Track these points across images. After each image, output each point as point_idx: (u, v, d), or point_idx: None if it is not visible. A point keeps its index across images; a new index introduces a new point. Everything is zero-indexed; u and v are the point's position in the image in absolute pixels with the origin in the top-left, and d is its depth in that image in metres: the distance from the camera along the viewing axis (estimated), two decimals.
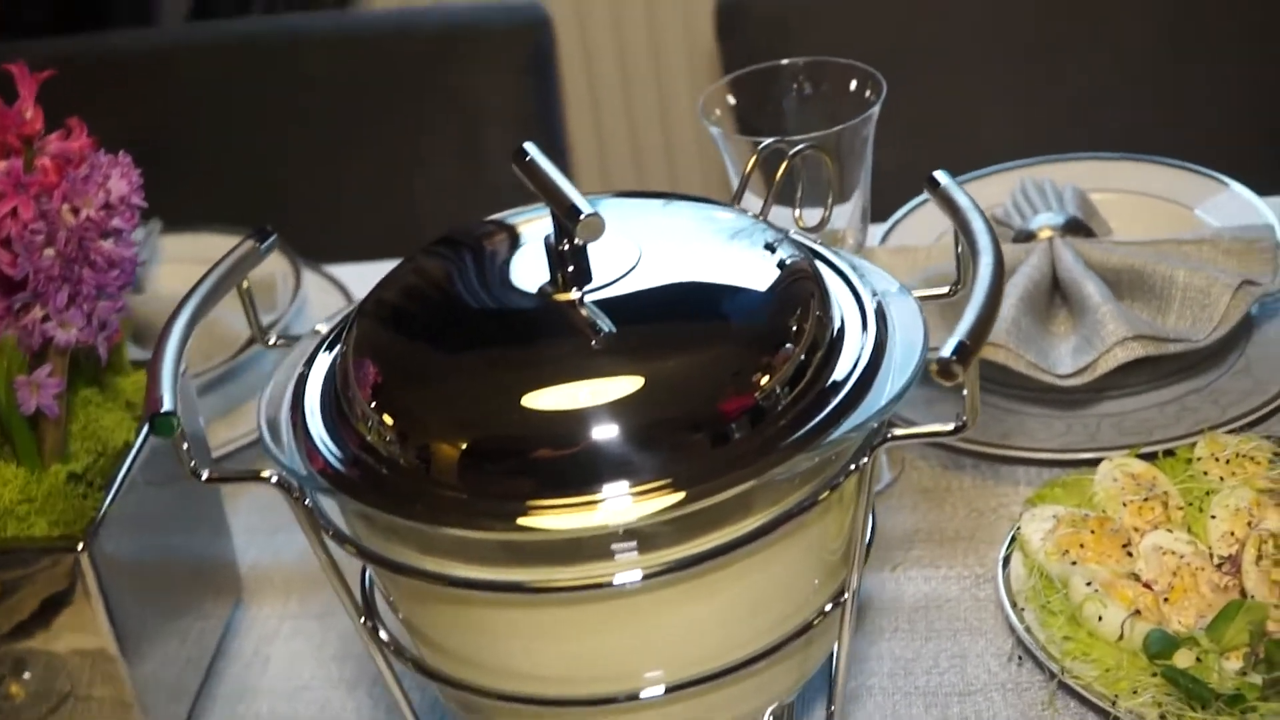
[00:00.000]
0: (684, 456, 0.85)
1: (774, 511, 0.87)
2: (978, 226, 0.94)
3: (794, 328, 0.90)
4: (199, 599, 1.21)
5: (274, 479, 0.90)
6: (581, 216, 0.88)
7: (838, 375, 0.90)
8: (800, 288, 0.94)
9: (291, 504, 0.91)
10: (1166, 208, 1.43)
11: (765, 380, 0.87)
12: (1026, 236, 1.38)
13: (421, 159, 2.02)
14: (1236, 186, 1.43)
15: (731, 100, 1.24)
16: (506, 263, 0.95)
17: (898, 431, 0.89)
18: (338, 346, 0.98)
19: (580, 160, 2.54)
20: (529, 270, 0.94)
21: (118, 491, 1.08)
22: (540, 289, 0.92)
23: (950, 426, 0.87)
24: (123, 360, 1.17)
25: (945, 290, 1.00)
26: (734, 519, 0.86)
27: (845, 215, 1.22)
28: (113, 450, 1.11)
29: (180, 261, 1.58)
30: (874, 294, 0.97)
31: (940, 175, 0.98)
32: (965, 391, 0.85)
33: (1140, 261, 1.31)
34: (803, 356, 0.89)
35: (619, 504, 0.83)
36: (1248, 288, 1.28)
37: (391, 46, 2.09)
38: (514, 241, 0.98)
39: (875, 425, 0.88)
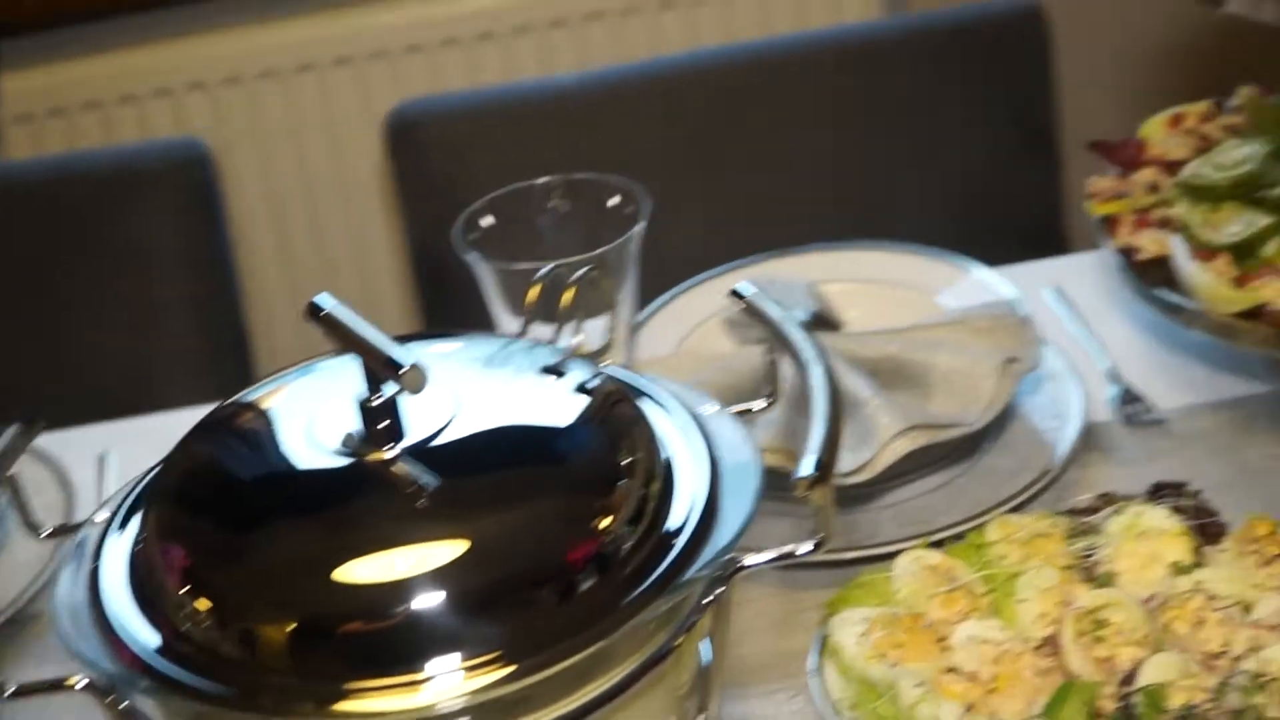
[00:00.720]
0: (521, 621, 0.81)
1: (629, 665, 0.85)
2: (798, 338, 0.94)
3: (626, 462, 0.88)
4: None
5: (82, 684, 0.84)
6: (403, 369, 0.84)
7: (678, 508, 0.88)
8: (622, 416, 0.92)
9: (105, 709, 0.85)
10: (903, 293, 1.46)
11: (606, 523, 0.85)
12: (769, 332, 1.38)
13: (92, 313, 1.93)
14: (973, 265, 1.47)
15: (486, 222, 1.22)
16: (311, 425, 0.90)
17: (751, 560, 0.87)
18: (127, 532, 0.91)
19: (255, 294, 2.47)
20: (337, 429, 0.89)
21: None
22: (354, 449, 0.88)
23: (810, 545, 0.86)
24: None
25: (762, 403, 1.00)
26: (586, 678, 0.83)
27: (611, 331, 1.21)
28: None
29: None
30: (691, 414, 0.95)
31: (744, 287, 0.98)
32: (819, 507, 0.84)
33: (895, 350, 1.33)
34: (641, 492, 0.87)
35: (448, 681, 0.79)
36: (1011, 365, 1.30)
37: (42, 198, 2.00)
38: (311, 401, 0.93)
39: (728, 556, 0.86)
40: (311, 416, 0.90)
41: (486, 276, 1.18)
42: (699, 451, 0.92)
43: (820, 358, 0.91)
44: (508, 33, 2.30)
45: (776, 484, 1.20)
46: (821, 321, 1.41)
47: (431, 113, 1.92)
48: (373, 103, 2.24)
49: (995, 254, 1.51)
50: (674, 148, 1.87)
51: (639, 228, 1.18)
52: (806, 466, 0.83)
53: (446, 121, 1.92)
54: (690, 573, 0.84)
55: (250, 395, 0.96)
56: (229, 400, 0.97)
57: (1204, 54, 2.46)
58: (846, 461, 1.25)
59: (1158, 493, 1.23)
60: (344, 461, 0.87)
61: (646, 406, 0.95)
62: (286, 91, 2.30)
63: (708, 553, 0.85)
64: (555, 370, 0.95)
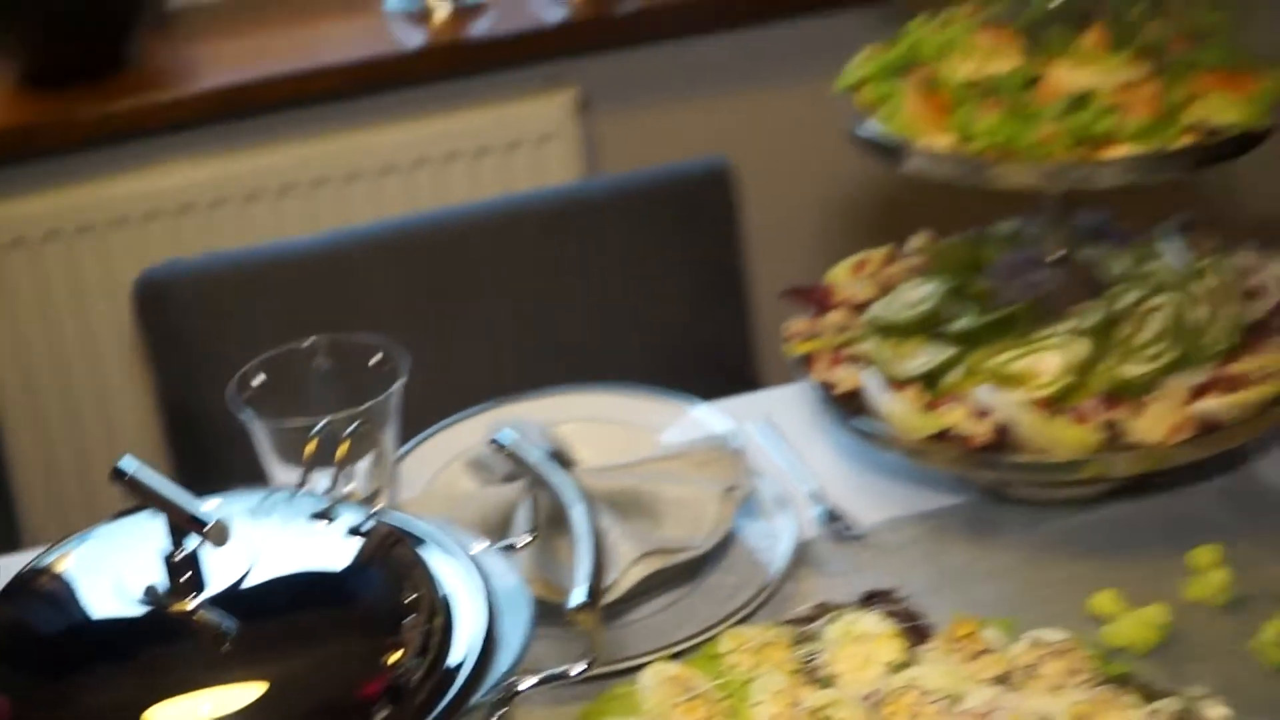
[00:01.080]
0: None
1: None
2: (559, 480, 0.96)
3: (410, 600, 0.90)
4: None
5: None
6: (207, 526, 0.85)
7: (459, 639, 0.90)
8: (402, 557, 0.94)
9: None
10: (629, 431, 1.48)
11: (396, 658, 0.87)
12: (519, 470, 1.39)
13: None
14: (691, 403, 1.49)
15: (258, 381, 1.22)
16: (119, 579, 0.91)
17: (527, 683, 0.89)
18: None
19: (12, 458, 2.39)
20: (142, 583, 0.89)
21: None
22: (159, 600, 0.88)
23: (583, 665, 0.88)
24: None
25: (527, 539, 1.02)
26: None
27: (378, 478, 1.22)
28: None
29: None
30: (462, 551, 0.97)
31: (504, 436, 1.00)
32: (590, 630, 0.87)
33: (628, 484, 1.35)
34: (425, 627, 0.88)
35: None
36: (731, 493, 1.34)
37: None
38: (115, 557, 0.93)
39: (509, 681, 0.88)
40: (118, 572, 0.91)
41: (260, 433, 1.19)
42: (474, 585, 0.94)
43: (581, 498, 0.94)
44: (239, 199, 2.30)
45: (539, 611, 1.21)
46: (558, 458, 1.42)
47: (178, 276, 1.89)
48: (116, 268, 2.21)
49: (697, 391, 1.54)
50: (407, 302, 1.88)
51: (400, 383, 1.20)
52: (579, 595, 0.86)
53: (192, 284, 1.89)
54: (476, 698, 0.86)
55: (56, 553, 0.96)
56: (36, 559, 0.96)
57: (881, 205, 2.55)
58: None
59: (869, 600, 1.27)
60: (151, 612, 0.88)
61: (421, 546, 0.97)
62: (33, 261, 2.25)
63: (490, 679, 0.87)
64: (336, 517, 0.97)
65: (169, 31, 2.36)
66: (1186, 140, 1.32)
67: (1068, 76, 1.34)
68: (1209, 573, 1.30)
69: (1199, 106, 1.33)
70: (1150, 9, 1.42)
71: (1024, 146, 1.31)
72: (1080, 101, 1.33)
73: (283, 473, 1.19)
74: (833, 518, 1.42)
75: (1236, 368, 1.38)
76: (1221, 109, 1.32)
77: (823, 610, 1.25)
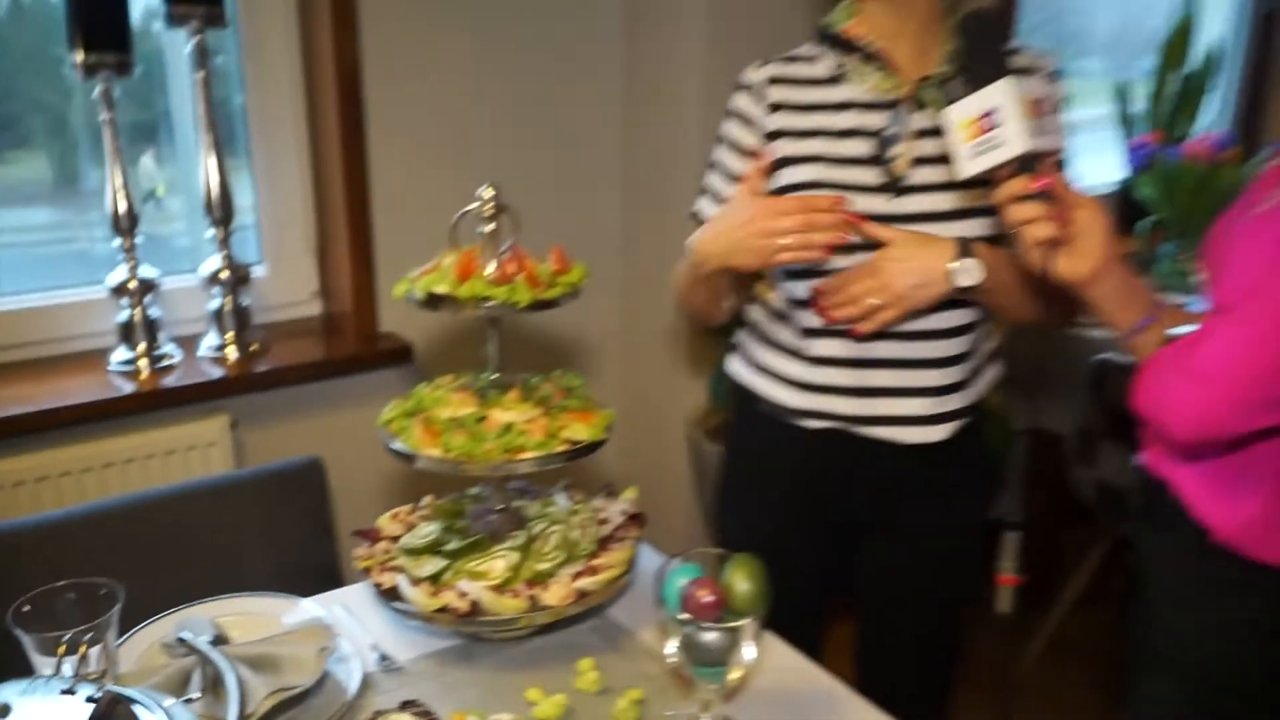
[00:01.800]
0: None
1: None
2: (217, 657, 0.94)
3: None
4: None
5: None
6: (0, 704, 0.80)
7: None
8: (122, 713, 0.90)
9: None
10: (261, 618, 1.42)
11: None
12: (191, 650, 1.33)
13: None
14: (299, 599, 1.45)
15: (26, 609, 1.13)
16: None
17: None
18: None
19: None
20: None
21: None
22: None
23: None
24: None
25: (198, 694, 0.98)
26: None
27: (105, 662, 1.14)
28: None
29: None
30: (159, 705, 0.93)
31: (186, 635, 0.98)
32: None
33: (262, 649, 1.29)
34: None
35: None
36: (323, 651, 1.31)
37: None
38: None
39: None
40: None
41: (29, 642, 1.10)
42: None
43: (231, 667, 0.92)
44: (9, 486, 2.10)
45: None
46: (219, 639, 1.36)
47: None
48: None
49: (304, 590, 1.51)
50: (123, 551, 1.75)
51: (118, 605, 1.13)
52: None
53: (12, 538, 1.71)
54: None
55: None
56: None
57: (404, 482, 2.54)
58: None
59: (405, 705, 1.26)
60: None
61: (134, 704, 0.93)
62: None
63: None
64: (77, 691, 0.91)
65: None
66: (563, 448, 1.39)
67: (500, 415, 1.40)
68: (588, 674, 1.35)
69: (569, 430, 1.40)
70: (542, 379, 1.52)
71: (478, 454, 1.36)
72: (507, 429, 1.38)
73: (43, 664, 1.09)
74: (383, 658, 1.41)
75: (596, 562, 1.44)
76: (581, 431, 1.40)
77: (376, 715, 1.25)
